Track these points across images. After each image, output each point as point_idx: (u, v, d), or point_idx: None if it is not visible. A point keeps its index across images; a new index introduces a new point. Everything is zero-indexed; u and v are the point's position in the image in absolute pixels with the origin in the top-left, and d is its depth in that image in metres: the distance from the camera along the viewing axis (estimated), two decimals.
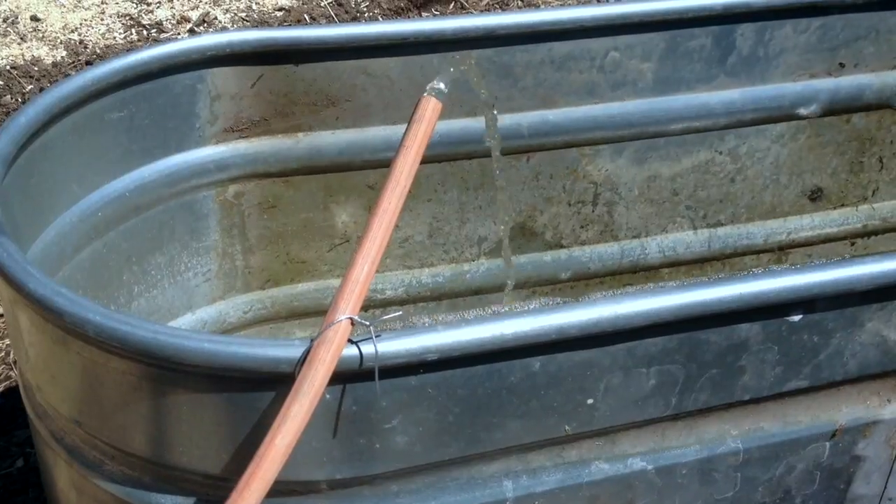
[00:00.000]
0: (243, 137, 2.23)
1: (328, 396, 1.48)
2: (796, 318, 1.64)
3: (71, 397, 1.62)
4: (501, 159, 2.20)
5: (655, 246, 2.59)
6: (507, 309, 2.37)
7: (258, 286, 2.37)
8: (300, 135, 2.26)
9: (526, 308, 1.50)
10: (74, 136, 1.98)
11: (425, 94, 1.78)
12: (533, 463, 1.67)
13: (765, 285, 1.60)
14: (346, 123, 2.27)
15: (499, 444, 1.61)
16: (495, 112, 2.16)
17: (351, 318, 1.44)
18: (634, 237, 2.58)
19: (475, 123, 2.33)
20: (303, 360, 1.43)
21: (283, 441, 1.36)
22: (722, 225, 2.62)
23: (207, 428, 1.52)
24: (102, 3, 3.91)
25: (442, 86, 1.75)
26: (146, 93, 2.07)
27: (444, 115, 2.23)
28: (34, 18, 3.81)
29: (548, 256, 2.54)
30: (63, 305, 1.49)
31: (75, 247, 2.02)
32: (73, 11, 3.87)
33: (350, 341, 1.46)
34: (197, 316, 2.33)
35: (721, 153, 2.53)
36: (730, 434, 1.75)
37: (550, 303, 2.56)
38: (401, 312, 1.46)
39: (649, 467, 1.72)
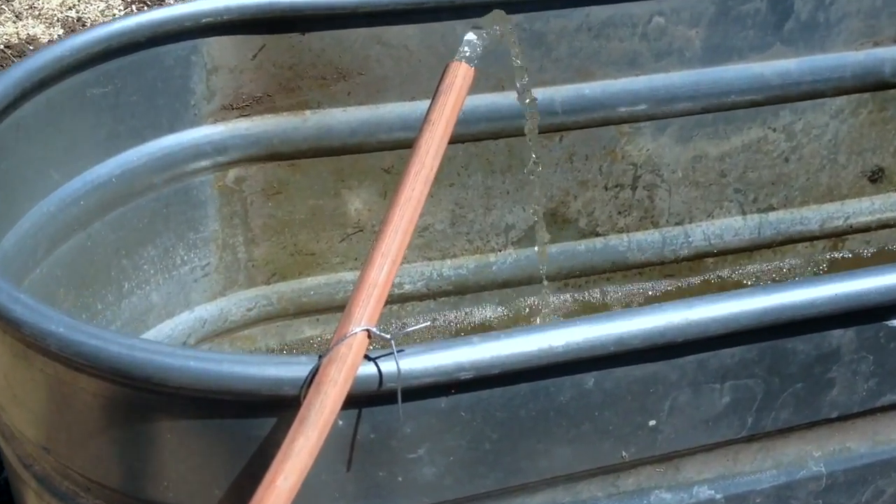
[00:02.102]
0: (244, 116, 1.98)
1: (341, 423, 1.20)
2: None
3: (37, 420, 1.35)
4: (535, 139, 1.92)
5: (700, 233, 2.31)
6: (540, 305, 2.10)
7: (263, 281, 2.12)
8: (307, 112, 2.00)
9: (578, 317, 1.23)
10: (51, 114, 1.72)
11: (454, 59, 1.49)
12: (583, 494, 1.39)
13: (863, 285, 1.31)
14: (359, 99, 2.00)
15: (544, 473, 1.33)
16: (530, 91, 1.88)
17: (368, 330, 1.16)
18: (677, 224, 2.29)
19: (502, 99, 2.06)
20: (310, 380, 1.15)
21: (286, 483, 1.08)
22: (774, 209, 2.33)
23: (196, 460, 1.24)
24: None
25: (474, 42, 1.46)
26: (133, 65, 1.81)
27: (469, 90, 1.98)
28: None
29: (582, 246, 2.26)
30: (21, 315, 1.22)
31: (54, 240, 1.77)
32: None
33: (367, 358, 1.17)
34: (195, 314, 2.07)
35: (774, 130, 2.24)
36: (812, 456, 1.46)
37: (583, 297, 2.29)
38: (428, 323, 1.18)
39: (718, 496, 1.44)
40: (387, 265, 1.18)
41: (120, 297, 1.93)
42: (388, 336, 1.15)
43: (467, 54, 1.47)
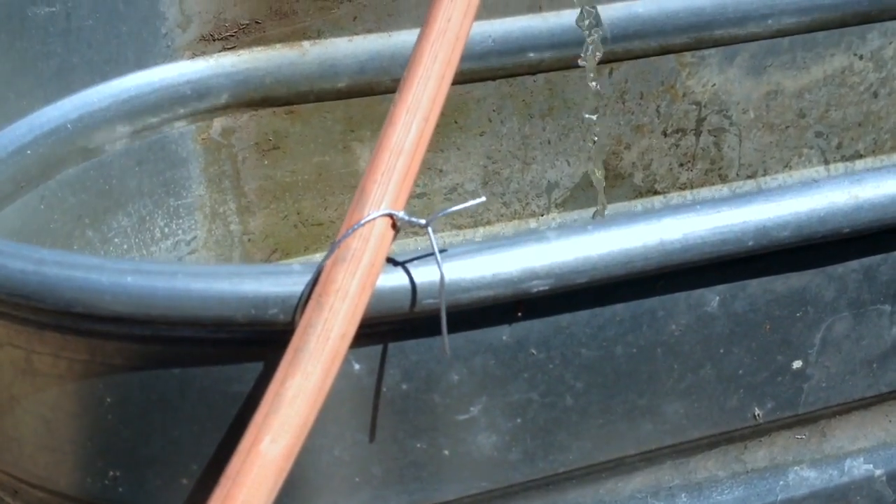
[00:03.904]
0: (228, 49, 1.62)
1: (357, 366, 0.79)
2: None
3: None
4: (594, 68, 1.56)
5: (777, 188, 1.91)
6: None
7: (262, 258, 1.75)
8: (305, 44, 1.64)
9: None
10: None
11: None
12: (697, 473, 0.97)
13: None
14: (368, 26, 1.64)
15: (646, 443, 0.92)
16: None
17: (391, 215, 0.75)
18: (749, 177, 1.90)
19: (540, 23, 1.69)
20: (306, 298, 0.75)
21: (275, 447, 0.68)
22: (861, 157, 1.94)
23: (151, 437, 0.83)
24: None
25: None
26: None
27: (498, 11, 1.62)
28: None
29: (638, 207, 1.87)
30: None
31: None
32: None
33: (392, 262, 0.77)
34: None
35: (861, 57, 1.85)
36: None
37: None
38: (483, 199, 0.78)
39: (878, 472, 1.03)
40: (416, 123, 0.78)
41: None
42: (423, 222, 0.74)
43: None
